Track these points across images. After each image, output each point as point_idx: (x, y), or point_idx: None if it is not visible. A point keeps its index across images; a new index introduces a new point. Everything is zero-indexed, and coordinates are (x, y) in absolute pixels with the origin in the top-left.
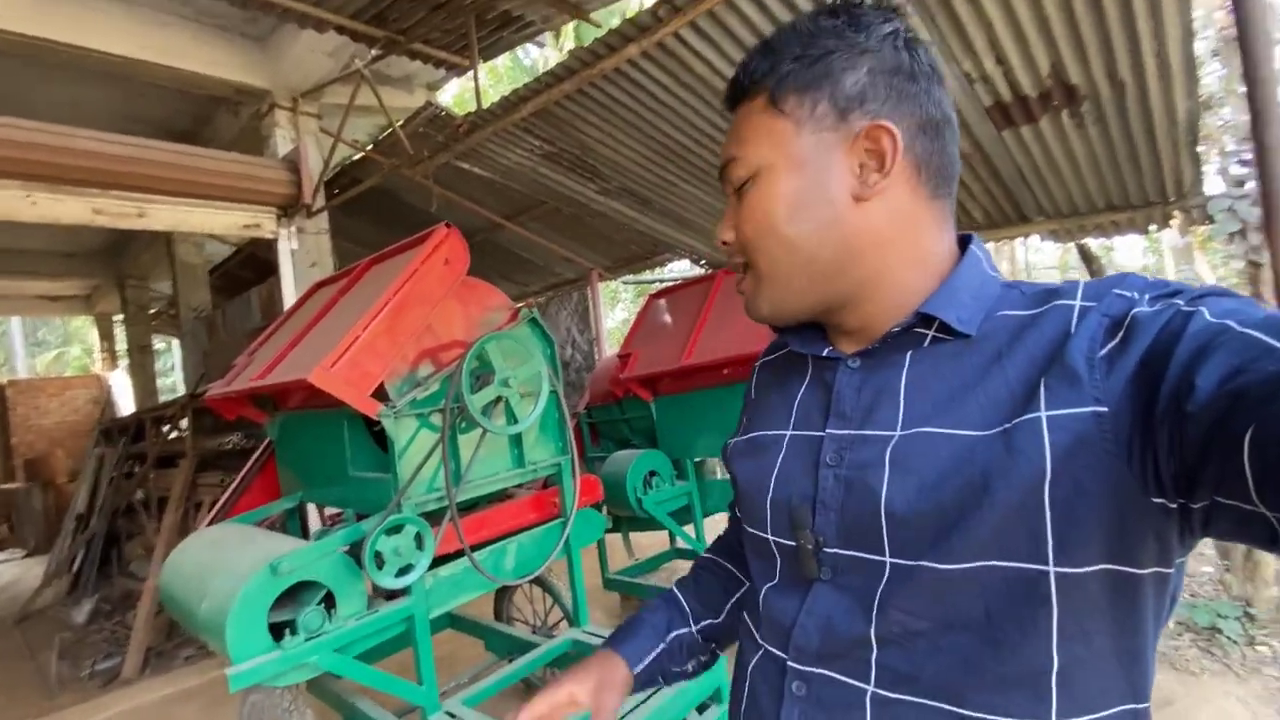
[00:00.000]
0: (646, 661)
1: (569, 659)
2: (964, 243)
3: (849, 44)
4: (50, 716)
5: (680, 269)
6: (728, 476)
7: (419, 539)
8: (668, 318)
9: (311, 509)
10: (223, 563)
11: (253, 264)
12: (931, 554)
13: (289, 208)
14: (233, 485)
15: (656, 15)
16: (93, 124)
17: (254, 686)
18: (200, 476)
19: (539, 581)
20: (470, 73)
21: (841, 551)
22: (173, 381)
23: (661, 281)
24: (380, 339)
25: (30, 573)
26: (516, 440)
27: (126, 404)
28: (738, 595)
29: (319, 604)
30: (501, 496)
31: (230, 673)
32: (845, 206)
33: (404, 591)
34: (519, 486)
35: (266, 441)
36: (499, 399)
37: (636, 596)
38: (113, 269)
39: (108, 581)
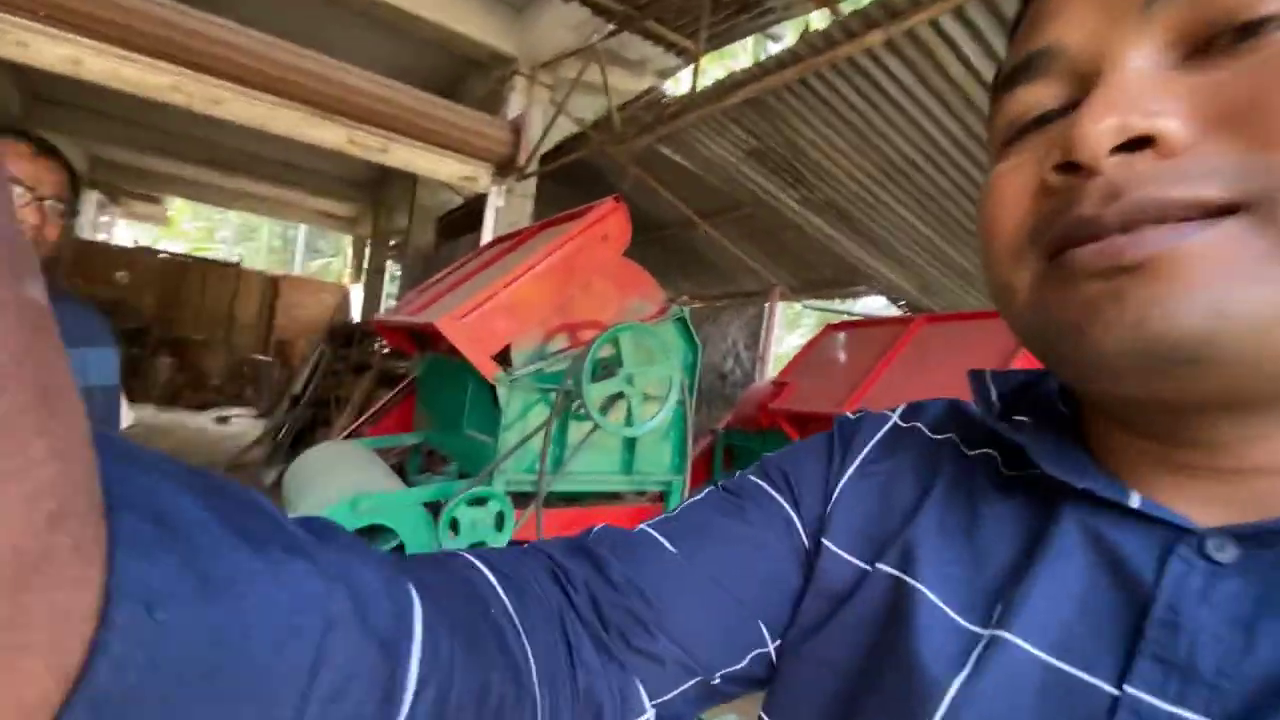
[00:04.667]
0: None
1: None
2: None
3: None
4: None
5: (874, 307)
6: None
7: (500, 519)
8: (842, 355)
9: None
10: (324, 480)
11: (471, 217)
12: None
13: (504, 167)
14: (373, 408)
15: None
16: (370, 70)
17: None
18: (380, 390)
19: None
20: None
21: None
22: (394, 303)
23: (849, 314)
24: (520, 302)
25: (252, 431)
26: (630, 444)
27: (358, 313)
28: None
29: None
30: (607, 498)
31: None
32: None
33: None
34: (637, 494)
35: (411, 375)
36: (619, 395)
37: None
38: (371, 199)
39: (297, 455)
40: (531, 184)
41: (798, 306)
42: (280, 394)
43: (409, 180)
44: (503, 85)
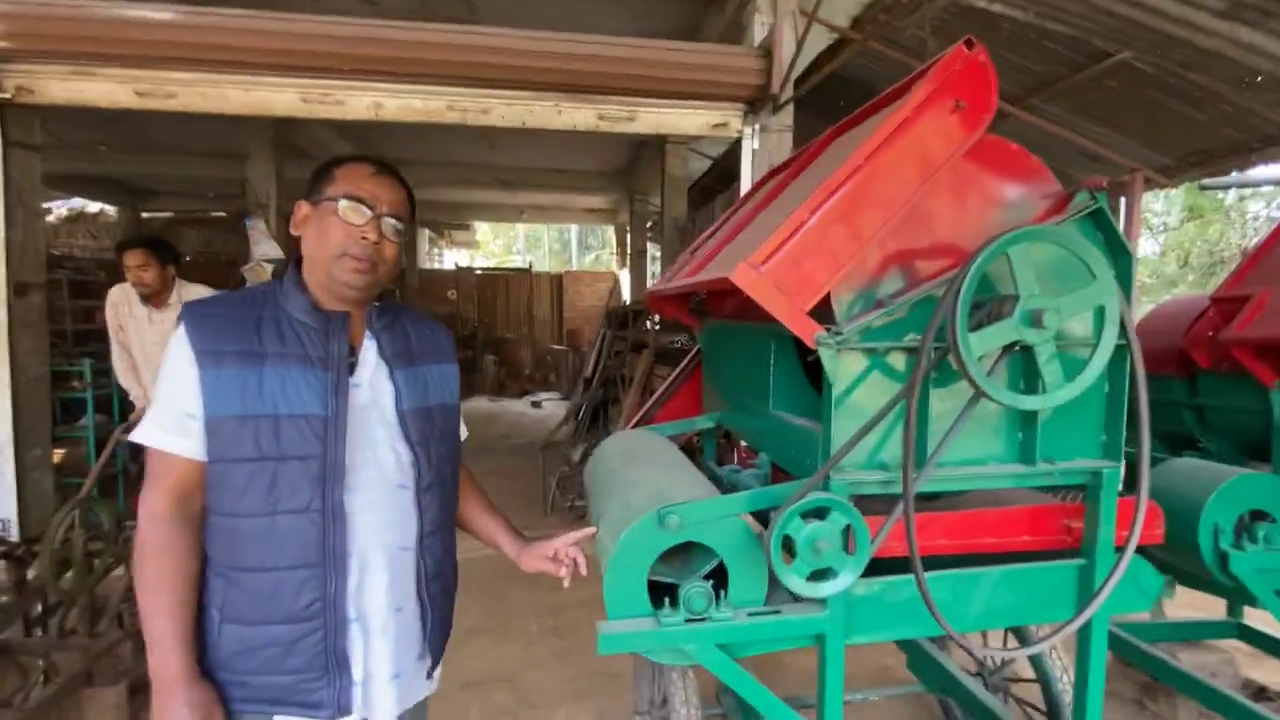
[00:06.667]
0: None
1: None
2: None
3: None
4: (534, 530)
5: None
6: None
7: (848, 534)
8: None
9: None
10: (623, 482)
11: (723, 177)
12: None
13: (756, 101)
14: (658, 392)
15: None
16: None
17: None
18: (659, 367)
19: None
20: None
21: None
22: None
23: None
24: (835, 231)
25: (559, 412)
26: (1017, 419)
27: (629, 296)
28: None
29: (707, 577)
30: (990, 495)
31: (601, 630)
32: None
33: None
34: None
35: (696, 349)
36: (1015, 347)
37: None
38: (626, 186)
39: (595, 432)
40: (788, 114)
41: (1172, 193)
42: (576, 377)
43: (658, 157)
44: (741, 13)
